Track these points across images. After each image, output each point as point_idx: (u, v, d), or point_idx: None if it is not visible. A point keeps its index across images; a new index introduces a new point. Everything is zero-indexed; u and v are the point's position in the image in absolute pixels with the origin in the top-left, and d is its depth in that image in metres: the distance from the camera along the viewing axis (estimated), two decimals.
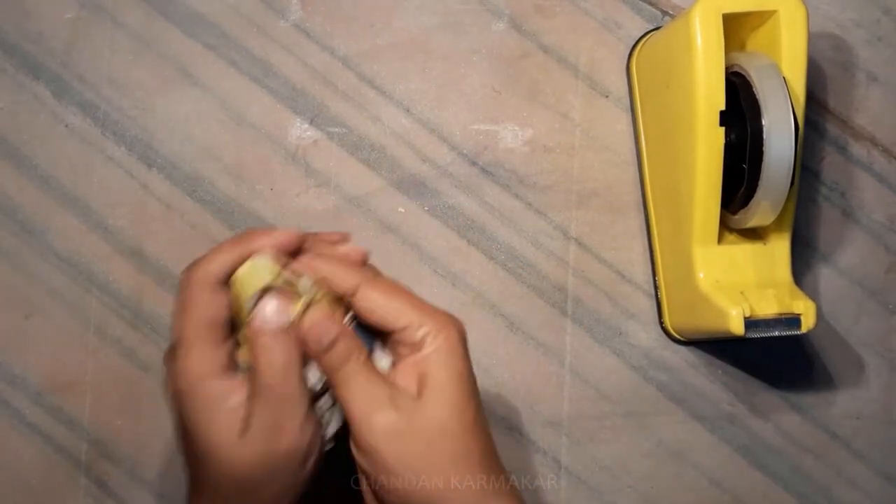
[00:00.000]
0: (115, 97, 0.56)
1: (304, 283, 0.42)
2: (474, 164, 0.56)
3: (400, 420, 0.40)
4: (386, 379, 0.41)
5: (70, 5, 0.56)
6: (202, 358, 0.42)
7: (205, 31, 0.56)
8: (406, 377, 0.42)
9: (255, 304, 0.42)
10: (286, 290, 0.42)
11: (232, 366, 0.42)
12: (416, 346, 0.41)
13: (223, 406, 0.41)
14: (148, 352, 0.55)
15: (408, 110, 0.56)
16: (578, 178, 0.56)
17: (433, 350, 0.41)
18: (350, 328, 0.42)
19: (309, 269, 0.43)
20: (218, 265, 0.42)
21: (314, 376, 0.42)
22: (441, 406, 0.41)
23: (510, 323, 0.56)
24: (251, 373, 0.42)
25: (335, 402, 0.43)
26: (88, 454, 0.54)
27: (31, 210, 0.55)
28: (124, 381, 0.55)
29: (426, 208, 0.56)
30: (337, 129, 0.56)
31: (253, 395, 0.41)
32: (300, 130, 0.56)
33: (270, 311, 0.42)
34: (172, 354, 0.42)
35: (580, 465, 0.55)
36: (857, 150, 0.57)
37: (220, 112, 0.56)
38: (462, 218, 0.56)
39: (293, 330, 0.41)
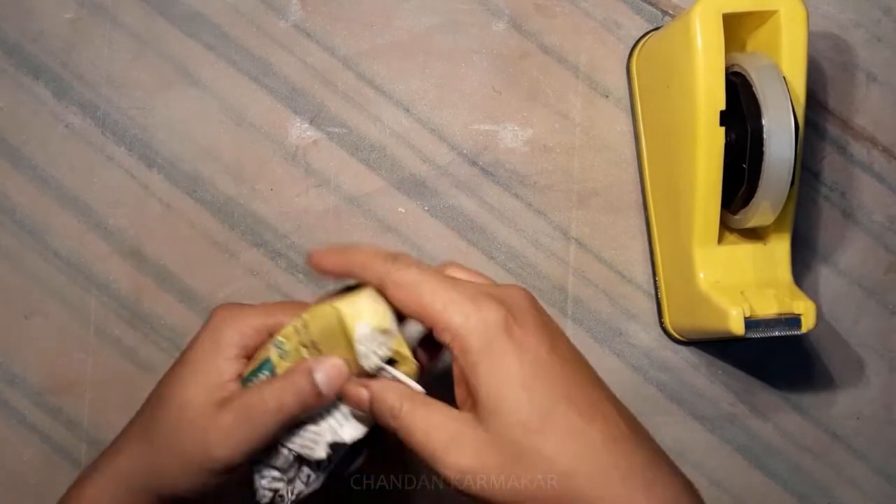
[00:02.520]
0: (114, 97, 0.56)
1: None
2: (474, 164, 0.56)
3: (473, 457, 0.37)
4: (442, 408, 0.38)
5: (70, 5, 0.56)
6: (247, 319, 0.43)
7: (204, 31, 0.56)
8: (460, 390, 0.39)
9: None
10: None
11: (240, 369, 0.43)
12: (455, 350, 0.38)
13: (219, 374, 0.42)
14: (147, 352, 0.55)
15: (408, 110, 0.56)
16: (578, 178, 0.56)
17: (466, 355, 0.37)
18: (388, 378, 0.41)
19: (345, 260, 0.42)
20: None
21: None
22: (499, 423, 0.36)
23: None
24: (267, 380, 0.42)
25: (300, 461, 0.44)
26: (88, 454, 0.54)
27: (30, 210, 0.55)
28: (124, 381, 0.54)
29: (426, 208, 0.56)
30: (337, 129, 0.56)
31: (245, 399, 0.41)
32: (300, 130, 0.56)
33: (333, 373, 0.41)
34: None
35: None
36: (857, 150, 0.57)
37: (220, 112, 0.56)
38: (462, 218, 0.56)
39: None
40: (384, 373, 0.41)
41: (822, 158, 0.57)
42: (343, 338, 0.41)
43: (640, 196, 0.56)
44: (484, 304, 0.38)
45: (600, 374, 0.55)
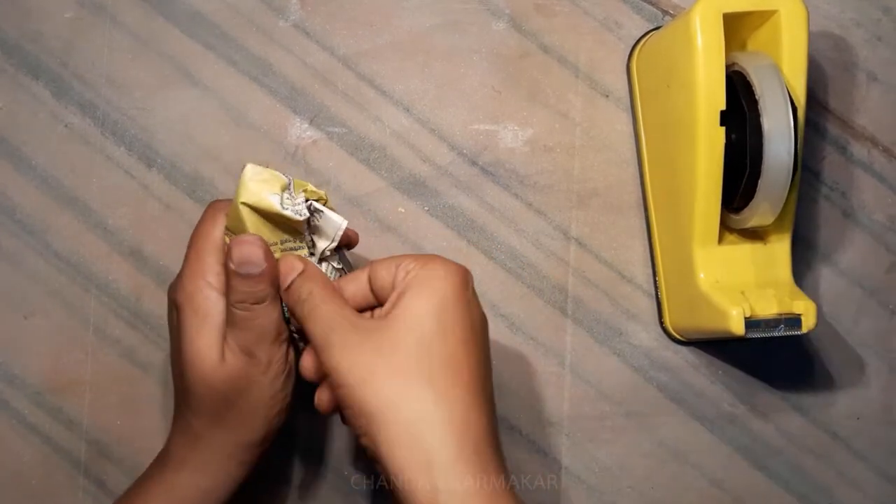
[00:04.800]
0: (114, 97, 0.56)
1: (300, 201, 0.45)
2: (474, 164, 0.56)
3: (355, 337, 0.41)
4: (349, 309, 0.43)
5: (69, 5, 0.56)
6: (200, 270, 0.45)
7: (204, 31, 0.56)
8: (384, 309, 0.43)
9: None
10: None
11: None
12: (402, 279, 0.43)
13: (210, 321, 0.44)
14: (147, 351, 0.55)
15: (408, 110, 0.56)
16: (579, 178, 0.56)
17: (414, 276, 0.42)
18: (311, 266, 0.45)
19: None
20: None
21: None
22: (403, 323, 0.41)
23: (510, 323, 0.56)
24: (227, 304, 0.44)
25: None
26: (87, 454, 0.54)
27: (30, 210, 0.55)
28: (123, 381, 0.54)
29: (426, 208, 0.56)
30: (337, 129, 0.56)
31: (229, 323, 0.44)
32: (300, 130, 0.56)
33: (247, 253, 0.44)
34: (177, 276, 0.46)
35: (580, 465, 0.55)
36: (858, 149, 0.57)
37: (220, 112, 0.56)
38: (462, 218, 0.56)
39: (269, 268, 0.44)
40: (315, 214, 0.45)
41: (823, 158, 0.57)
42: (263, 224, 0.45)
43: (640, 196, 0.56)
44: (454, 265, 0.43)
45: (600, 374, 0.56)
